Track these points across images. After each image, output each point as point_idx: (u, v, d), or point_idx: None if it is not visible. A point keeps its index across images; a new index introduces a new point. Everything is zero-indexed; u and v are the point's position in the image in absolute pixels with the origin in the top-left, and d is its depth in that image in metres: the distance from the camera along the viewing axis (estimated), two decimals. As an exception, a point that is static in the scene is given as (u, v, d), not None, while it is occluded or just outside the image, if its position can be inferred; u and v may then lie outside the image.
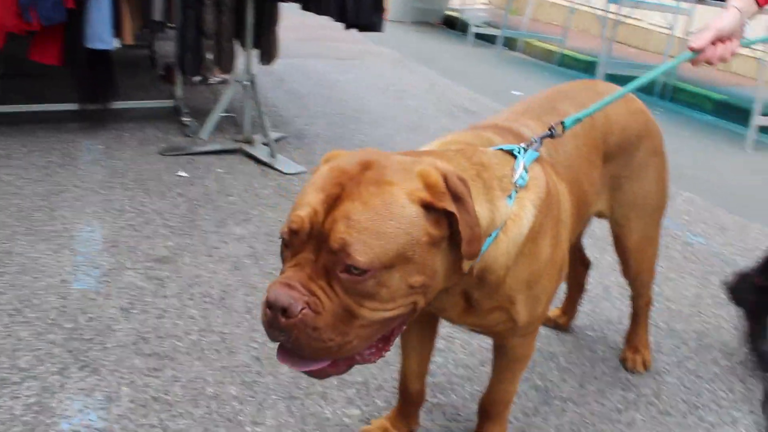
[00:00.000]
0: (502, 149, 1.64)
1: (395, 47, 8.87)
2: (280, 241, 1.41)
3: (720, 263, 3.61)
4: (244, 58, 4.56)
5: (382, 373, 2.44)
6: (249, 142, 4.54)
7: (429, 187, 1.34)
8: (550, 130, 1.75)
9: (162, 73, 5.91)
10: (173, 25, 4.64)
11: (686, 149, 5.76)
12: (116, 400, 2.19)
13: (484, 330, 1.76)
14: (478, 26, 10.33)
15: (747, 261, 3.34)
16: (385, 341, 1.45)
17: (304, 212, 1.31)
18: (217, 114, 4.52)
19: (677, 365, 2.68)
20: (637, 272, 2.41)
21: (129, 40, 4.42)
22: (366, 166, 1.35)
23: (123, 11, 4.31)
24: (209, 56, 4.49)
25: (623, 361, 2.62)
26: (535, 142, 1.70)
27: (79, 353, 2.40)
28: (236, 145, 4.52)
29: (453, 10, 12.15)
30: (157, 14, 4.50)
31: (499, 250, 1.53)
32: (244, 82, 4.44)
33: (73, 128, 4.60)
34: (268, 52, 4.83)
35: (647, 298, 2.55)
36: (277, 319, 1.28)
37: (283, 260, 1.38)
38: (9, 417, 2.07)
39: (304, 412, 2.22)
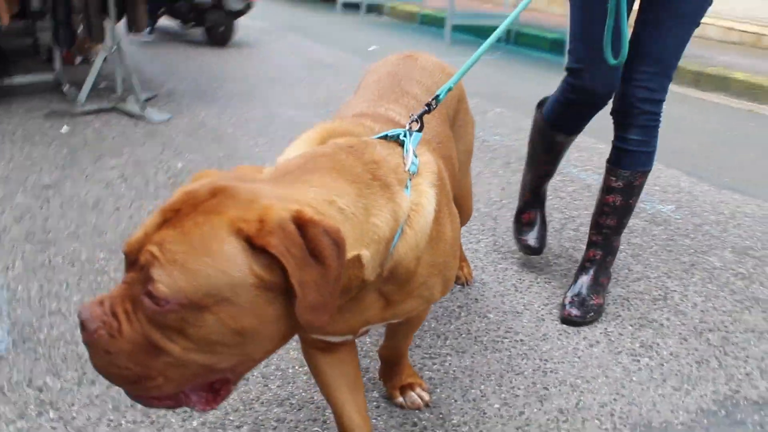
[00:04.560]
0: (386, 136, 1.55)
1: (265, 20, 9.66)
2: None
3: (509, 152, 4.56)
4: (111, 29, 5.28)
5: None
6: (122, 101, 5.28)
7: (260, 220, 1.15)
8: (428, 105, 1.67)
9: (45, 57, 6.55)
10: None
11: (516, 79, 6.73)
12: (11, 268, 2.96)
13: (401, 317, 1.63)
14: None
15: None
16: (215, 393, 1.27)
17: (135, 235, 1.20)
18: (91, 79, 5.23)
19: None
20: (466, 201, 2.59)
21: (6, 21, 5.09)
22: (215, 193, 1.19)
23: (-3, -4, 4.98)
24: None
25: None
26: (416, 121, 1.61)
27: (-19, 245, 3.15)
28: (111, 104, 5.26)
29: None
30: (35, 3, 5.19)
31: (408, 245, 1.41)
32: (112, 49, 5.16)
33: (-36, 105, 5.26)
34: (135, 22, 5.55)
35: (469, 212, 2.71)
36: (81, 330, 1.18)
37: None
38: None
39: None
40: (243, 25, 9.29)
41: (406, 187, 1.43)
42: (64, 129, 4.80)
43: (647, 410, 2.20)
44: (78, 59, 6.54)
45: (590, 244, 2.77)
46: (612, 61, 2.26)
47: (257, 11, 10.39)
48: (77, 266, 2.98)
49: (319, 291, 1.15)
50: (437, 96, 1.71)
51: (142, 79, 6.08)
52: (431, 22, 10.20)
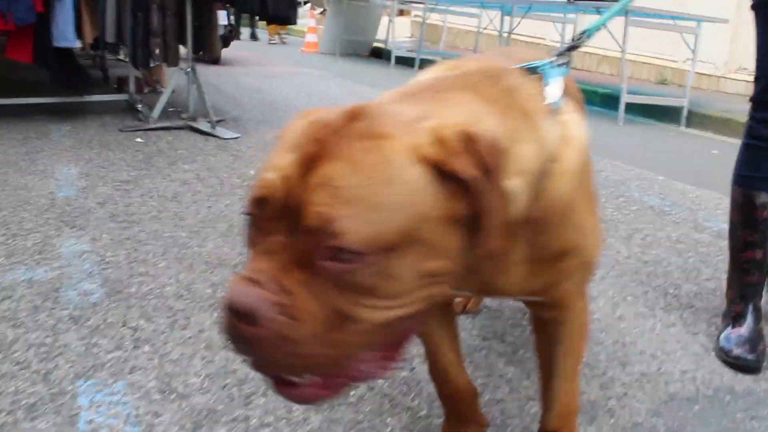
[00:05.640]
0: (525, 67, 1.33)
1: (324, 69, 9.98)
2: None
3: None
4: (186, 53, 5.53)
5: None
6: (193, 119, 5.48)
7: (439, 142, 0.97)
8: (574, 39, 1.49)
9: (115, 86, 6.84)
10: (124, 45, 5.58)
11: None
12: (98, 240, 3.08)
13: (545, 292, 1.34)
14: (398, 50, 11.52)
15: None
16: (393, 349, 1.07)
17: (272, 176, 0.96)
18: (165, 97, 5.45)
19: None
20: None
21: (89, 40, 5.36)
22: (354, 117, 0.99)
23: (83, 16, 5.26)
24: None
25: None
26: (563, 55, 1.38)
27: (68, 222, 3.28)
28: (183, 123, 5.46)
29: (379, 41, 13.35)
30: (110, 36, 5.45)
31: (561, 182, 1.20)
32: (187, 70, 5.39)
33: (42, 118, 5.49)
34: (211, 51, 5.80)
35: None
36: (238, 327, 0.91)
37: (250, 246, 1.00)
38: (23, 248, 2.96)
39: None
40: (304, 72, 9.64)
41: (550, 119, 1.21)
42: (139, 140, 4.99)
43: (729, 378, 2.22)
44: (147, 89, 6.82)
45: None
46: None
47: (314, 61, 10.76)
48: (161, 241, 3.09)
49: (496, 211, 1.00)
50: (586, 31, 1.49)
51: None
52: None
